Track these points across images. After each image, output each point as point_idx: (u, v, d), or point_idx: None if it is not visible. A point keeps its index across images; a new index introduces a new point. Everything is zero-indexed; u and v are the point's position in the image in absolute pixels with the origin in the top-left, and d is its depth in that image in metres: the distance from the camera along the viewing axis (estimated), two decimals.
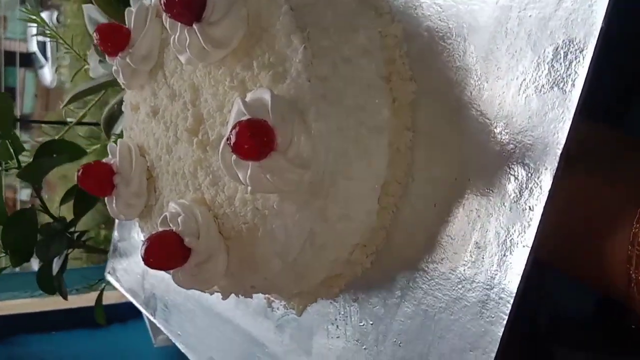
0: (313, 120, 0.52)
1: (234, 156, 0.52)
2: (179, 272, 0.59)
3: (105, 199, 0.69)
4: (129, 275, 1.00)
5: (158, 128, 0.65)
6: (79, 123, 1.10)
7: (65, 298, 1.04)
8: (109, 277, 1.04)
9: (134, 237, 0.99)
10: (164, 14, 0.60)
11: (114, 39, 0.65)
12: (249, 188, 0.53)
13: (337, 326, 0.64)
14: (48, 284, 1.01)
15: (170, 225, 0.59)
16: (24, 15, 1.16)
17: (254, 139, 0.49)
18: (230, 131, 0.50)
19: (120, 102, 0.96)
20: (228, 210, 0.58)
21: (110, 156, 0.69)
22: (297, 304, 0.68)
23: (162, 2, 0.55)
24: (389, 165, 0.57)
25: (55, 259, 1.00)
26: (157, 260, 0.57)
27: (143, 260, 0.56)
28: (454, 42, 0.54)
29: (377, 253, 0.60)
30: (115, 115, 0.99)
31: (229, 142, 0.50)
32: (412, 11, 0.57)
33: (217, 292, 0.63)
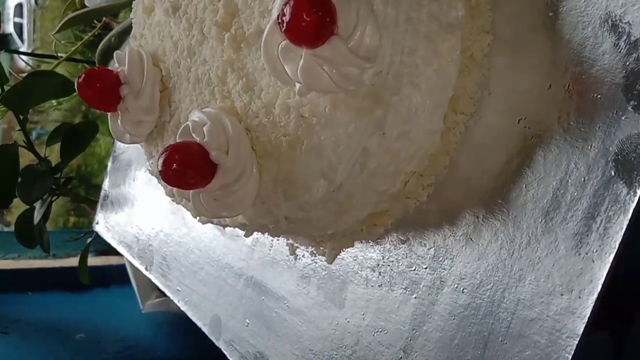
0: (381, 3, 0.43)
1: (283, 43, 0.42)
2: (201, 194, 0.48)
3: (109, 115, 0.58)
4: (121, 227, 0.89)
5: (178, 28, 0.55)
6: (70, 59, 0.99)
7: (47, 251, 0.93)
8: (98, 229, 0.93)
9: (130, 182, 0.88)
10: None
11: None
12: (298, 87, 0.43)
13: (380, 273, 0.55)
14: (28, 234, 0.90)
15: (194, 136, 0.48)
16: None
17: (315, 14, 0.39)
18: (283, 6, 0.40)
19: (119, 34, 0.86)
20: (265, 119, 0.48)
21: (116, 64, 0.58)
22: (329, 249, 0.58)
23: None
24: (460, 75, 0.48)
25: (37, 207, 0.89)
26: (177, 175, 0.46)
27: (160, 173, 0.46)
28: None
29: (437, 184, 0.51)
30: (112, 48, 0.88)
31: (280, 20, 0.40)
32: None
33: (241, 224, 0.53)
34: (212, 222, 0.55)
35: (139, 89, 0.56)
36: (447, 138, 0.49)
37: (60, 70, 1.02)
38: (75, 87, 0.56)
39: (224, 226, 0.54)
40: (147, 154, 0.61)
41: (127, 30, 0.82)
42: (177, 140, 0.50)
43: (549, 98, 0.44)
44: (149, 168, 0.61)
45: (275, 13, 0.43)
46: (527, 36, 0.46)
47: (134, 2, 0.63)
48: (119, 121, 0.58)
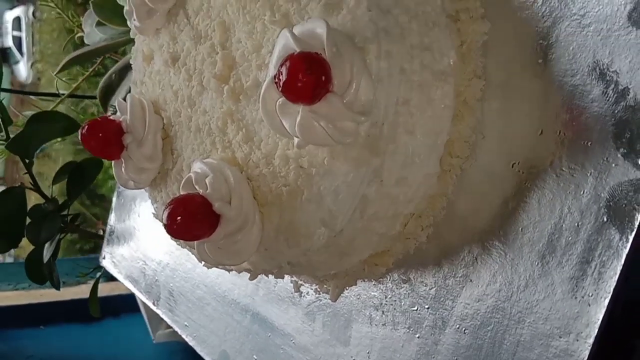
0: (374, 58, 0.44)
1: (280, 99, 0.43)
2: (205, 244, 0.50)
3: (113, 163, 0.60)
4: (127, 261, 0.91)
5: (178, 78, 0.56)
6: (72, 95, 1.00)
7: (57, 288, 0.94)
8: (105, 263, 0.95)
9: (135, 218, 0.89)
10: None
11: None
12: (296, 140, 0.44)
13: (383, 312, 0.56)
14: (38, 272, 0.91)
15: (197, 187, 0.50)
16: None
17: (311, 75, 0.40)
18: (279, 66, 0.41)
19: (120, 71, 0.87)
20: (265, 170, 0.49)
21: (119, 113, 0.60)
22: (333, 287, 0.59)
23: None
24: (454, 120, 0.49)
25: (47, 245, 0.90)
26: (182, 228, 0.47)
27: (165, 227, 0.47)
28: None
29: (435, 225, 0.52)
30: (113, 86, 0.89)
31: (277, 80, 0.41)
32: None
33: (246, 270, 0.54)
34: (216, 267, 0.56)
35: (141, 137, 0.58)
36: (444, 180, 0.50)
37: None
38: (79, 138, 0.57)
39: (229, 270, 0.55)
40: (151, 198, 0.62)
41: (127, 67, 0.83)
42: (181, 192, 0.51)
43: (541, 143, 0.45)
44: (154, 212, 0.63)
45: (272, 70, 0.44)
46: (518, 82, 0.47)
47: (133, 48, 0.65)
48: (122, 169, 0.59)
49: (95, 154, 0.59)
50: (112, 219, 0.93)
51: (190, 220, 0.47)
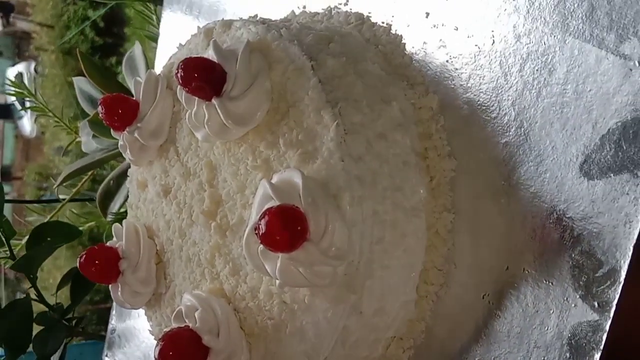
0: (348, 205, 0.47)
1: (261, 246, 0.46)
2: None
3: (110, 286, 0.63)
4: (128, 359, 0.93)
5: (169, 209, 0.60)
6: (72, 200, 1.04)
7: None
8: None
9: (135, 317, 0.92)
10: (177, 87, 0.55)
11: (120, 112, 0.60)
12: (278, 281, 0.47)
13: None
14: None
15: (186, 320, 0.52)
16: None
17: (288, 231, 0.44)
18: (259, 219, 0.45)
19: (117, 177, 0.91)
20: (251, 303, 0.52)
21: (115, 238, 0.63)
22: None
23: (178, 76, 0.50)
24: (428, 250, 0.52)
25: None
26: None
27: None
28: (500, 115, 0.49)
29: (416, 347, 0.54)
30: (111, 192, 0.93)
31: (257, 231, 0.45)
32: (449, 82, 0.53)
33: None
34: None
35: (136, 262, 0.61)
36: (421, 306, 0.53)
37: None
38: (77, 265, 0.60)
39: None
40: (147, 316, 0.65)
41: (124, 173, 0.86)
42: (172, 323, 0.54)
43: (507, 278, 0.48)
44: (150, 329, 0.65)
45: (254, 216, 0.47)
46: (484, 218, 0.50)
47: (129, 170, 0.68)
48: (119, 292, 0.62)
49: (92, 280, 0.62)
50: (113, 318, 0.96)
51: (180, 356, 0.50)
